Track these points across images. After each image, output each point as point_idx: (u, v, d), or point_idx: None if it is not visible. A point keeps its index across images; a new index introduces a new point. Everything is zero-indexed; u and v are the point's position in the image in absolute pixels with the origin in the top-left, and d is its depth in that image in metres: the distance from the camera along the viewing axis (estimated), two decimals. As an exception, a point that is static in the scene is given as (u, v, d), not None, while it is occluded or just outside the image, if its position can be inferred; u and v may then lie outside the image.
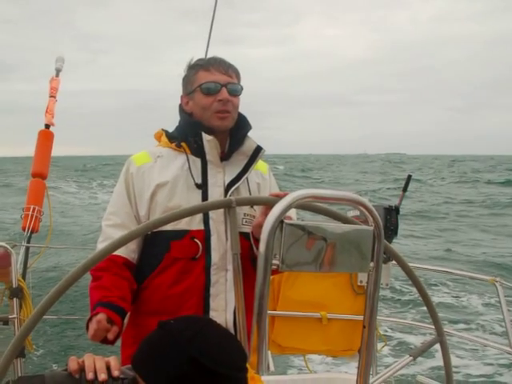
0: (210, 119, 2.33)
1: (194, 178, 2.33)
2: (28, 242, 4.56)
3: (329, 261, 1.53)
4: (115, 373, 1.33)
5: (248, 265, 2.07)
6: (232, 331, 2.05)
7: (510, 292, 4.91)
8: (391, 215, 3.32)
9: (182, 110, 2.47)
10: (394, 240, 3.29)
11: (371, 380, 1.90)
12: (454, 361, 7.29)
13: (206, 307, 2.30)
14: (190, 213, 1.61)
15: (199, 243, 2.27)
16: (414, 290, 1.80)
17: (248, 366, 1.42)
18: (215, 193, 2.33)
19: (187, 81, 2.44)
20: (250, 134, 2.45)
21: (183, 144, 2.38)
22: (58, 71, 5.24)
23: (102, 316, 2.10)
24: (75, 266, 1.36)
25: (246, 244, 2.25)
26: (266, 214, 1.67)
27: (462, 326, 9.82)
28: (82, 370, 1.33)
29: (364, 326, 1.66)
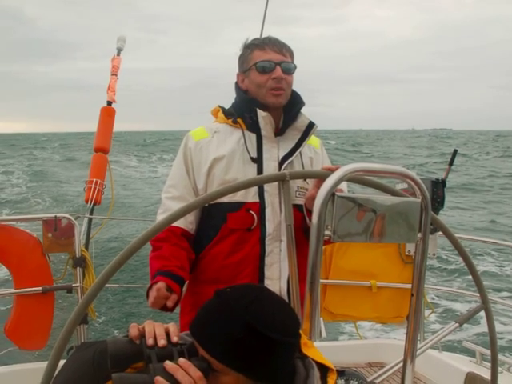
0: (265, 96, 2.38)
1: (249, 153, 2.38)
2: (91, 213, 4.65)
3: (378, 232, 1.53)
4: (174, 339, 1.37)
5: (301, 235, 2.11)
6: (286, 299, 2.10)
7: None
8: (438, 188, 3.34)
9: (237, 87, 2.52)
10: (440, 212, 3.31)
11: (419, 345, 1.90)
12: (498, 327, 7.36)
13: (261, 276, 2.35)
14: (246, 186, 1.62)
15: (254, 215, 2.33)
16: (460, 259, 1.80)
17: (301, 332, 1.46)
18: (270, 167, 2.38)
19: (243, 59, 2.48)
20: (302, 110, 2.48)
21: (239, 120, 2.43)
22: (119, 50, 5.34)
23: (161, 284, 2.17)
24: (136, 237, 1.38)
25: (299, 215, 2.30)
26: (318, 186, 1.71)
27: (505, 293, 9.89)
28: (142, 336, 1.37)
29: (412, 294, 1.66)
